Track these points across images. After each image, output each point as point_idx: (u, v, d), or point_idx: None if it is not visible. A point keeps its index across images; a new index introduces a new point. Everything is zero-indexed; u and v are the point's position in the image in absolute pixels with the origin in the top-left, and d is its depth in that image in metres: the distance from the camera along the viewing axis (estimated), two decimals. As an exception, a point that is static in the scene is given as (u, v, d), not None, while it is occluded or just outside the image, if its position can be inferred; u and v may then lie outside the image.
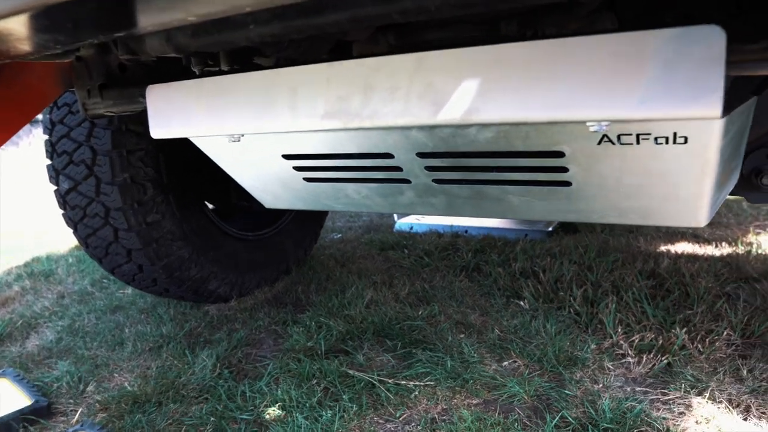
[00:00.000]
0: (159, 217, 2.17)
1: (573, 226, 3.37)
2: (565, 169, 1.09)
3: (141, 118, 2.06)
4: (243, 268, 2.58)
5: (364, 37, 1.39)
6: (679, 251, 2.81)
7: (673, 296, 2.18)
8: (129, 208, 2.09)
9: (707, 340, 1.85)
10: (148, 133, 2.07)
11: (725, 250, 2.77)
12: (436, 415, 1.64)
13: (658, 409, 1.56)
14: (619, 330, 1.97)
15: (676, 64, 0.78)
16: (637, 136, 0.95)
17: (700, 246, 2.87)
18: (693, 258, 2.65)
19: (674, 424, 1.48)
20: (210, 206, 2.54)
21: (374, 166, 1.28)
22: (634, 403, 1.57)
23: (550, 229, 3.35)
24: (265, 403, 1.72)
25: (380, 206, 1.45)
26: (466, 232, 3.55)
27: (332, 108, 1.04)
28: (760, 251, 2.67)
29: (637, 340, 1.88)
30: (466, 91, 0.92)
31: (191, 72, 1.67)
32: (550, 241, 3.14)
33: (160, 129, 1.32)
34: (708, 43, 0.76)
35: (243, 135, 1.25)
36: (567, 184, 1.14)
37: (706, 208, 1.10)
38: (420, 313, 2.28)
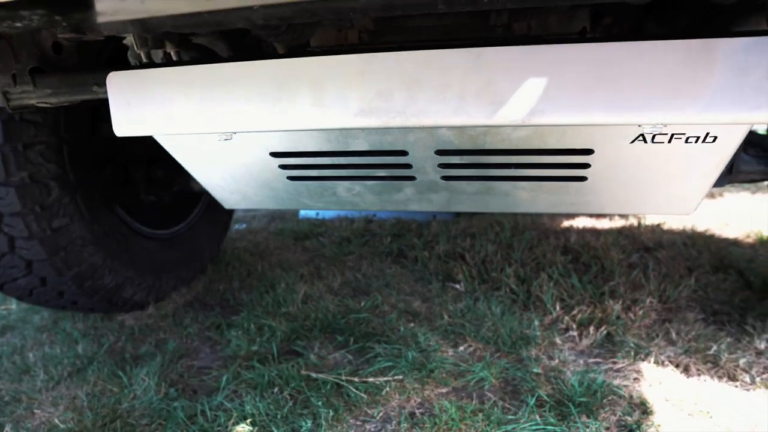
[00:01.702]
0: (67, 220, 1.87)
1: (478, 206, 3.52)
2: (587, 165, 1.12)
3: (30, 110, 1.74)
4: (159, 270, 2.33)
5: (364, 24, 1.30)
6: (580, 226, 3.07)
7: (593, 270, 2.37)
8: (29, 212, 1.77)
9: (636, 308, 2.04)
10: (49, 123, 1.80)
11: (618, 222, 3.08)
12: (413, 410, 1.62)
13: (615, 378, 1.70)
14: (558, 306, 2.10)
15: (747, 72, 0.83)
16: (672, 135, 1.00)
17: (597, 219, 3.16)
18: (595, 232, 2.91)
19: (635, 390, 1.62)
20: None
21: (380, 164, 1.20)
22: (594, 375, 1.69)
23: (457, 209, 3.46)
24: (232, 420, 1.58)
25: (371, 204, 1.38)
26: (375, 216, 3.54)
27: (369, 105, 0.95)
28: (647, 223, 3.00)
29: (578, 315, 2.02)
30: (529, 91, 0.89)
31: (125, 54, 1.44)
32: (460, 221, 3.24)
33: (128, 125, 1.11)
34: (778, 52, 0.81)
35: (236, 132, 1.10)
36: (583, 179, 1.17)
37: (701, 198, 1.20)
38: (363, 304, 2.24)
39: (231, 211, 2.90)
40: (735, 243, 2.70)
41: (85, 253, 1.95)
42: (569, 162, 1.12)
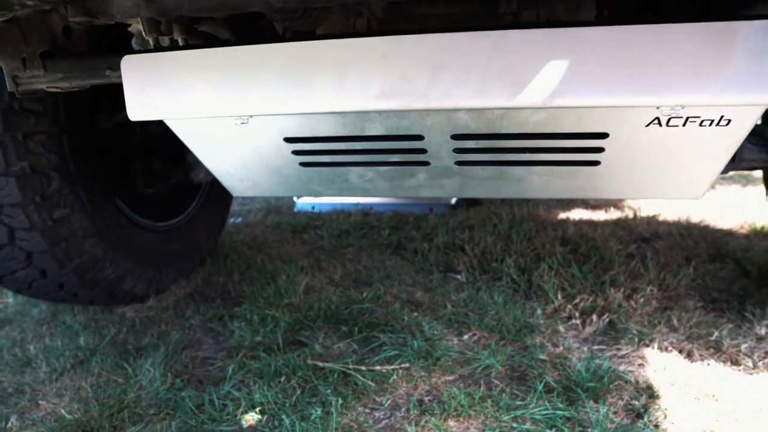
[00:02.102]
0: (67, 211, 1.85)
1: (475, 199, 3.53)
2: (601, 150, 1.13)
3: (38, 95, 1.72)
4: (159, 263, 2.31)
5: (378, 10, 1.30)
6: (578, 217, 3.10)
7: (592, 260, 2.40)
8: (30, 203, 1.75)
9: (636, 297, 2.07)
10: (49, 112, 1.78)
11: (614, 214, 3.11)
12: (421, 397, 1.63)
13: (620, 364, 1.72)
14: (559, 295, 2.12)
15: (766, 54, 0.84)
16: (686, 119, 1.01)
17: (593, 211, 3.19)
18: (592, 223, 2.93)
19: (641, 375, 1.64)
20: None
21: (395, 149, 1.21)
22: (600, 361, 1.71)
23: (453, 202, 3.48)
24: (241, 409, 1.57)
25: (381, 191, 1.38)
26: (371, 209, 3.54)
27: (391, 88, 0.95)
28: (642, 214, 3.04)
29: (580, 303, 2.04)
30: (551, 73, 0.90)
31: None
32: (457, 214, 3.25)
33: (142, 110, 1.10)
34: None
35: (253, 116, 1.10)
36: (596, 163, 1.18)
37: (711, 183, 1.21)
38: (365, 295, 2.24)
39: (229, 204, 2.89)
40: (730, 233, 2.75)
41: (86, 244, 1.93)
42: (584, 146, 1.13)
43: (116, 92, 2.04)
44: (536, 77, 0.90)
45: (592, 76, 0.90)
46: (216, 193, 2.73)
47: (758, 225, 2.82)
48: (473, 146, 1.16)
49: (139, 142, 2.22)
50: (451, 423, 1.50)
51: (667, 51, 0.88)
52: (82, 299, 2.09)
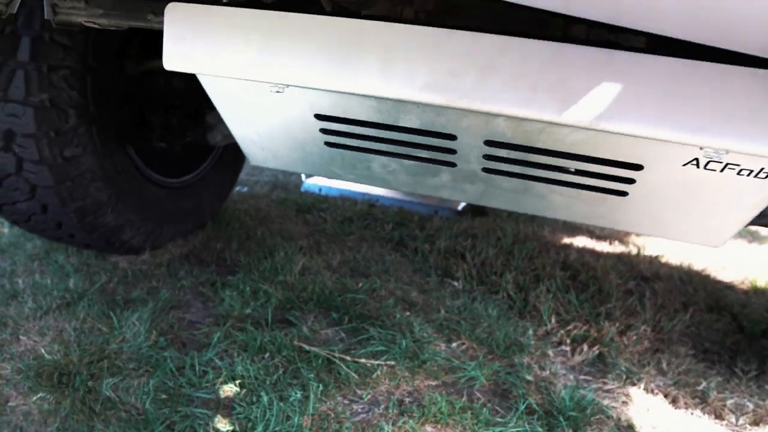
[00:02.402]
0: (79, 151, 1.83)
1: (481, 209, 3.51)
2: (633, 181, 1.11)
3: (70, 29, 1.69)
4: (161, 218, 2.29)
5: None
6: (581, 245, 3.08)
7: (591, 290, 2.38)
8: (44, 136, 1.72)
9: (630, 334, 2.05)
10: (78, 48, 1.75)
11: (618, 248, 3.10)
12: (402, 397, 1.62)
13: (604, 398, 1.71)
14: (553, 319, 2.11)
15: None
16: (725, 165, 0.99)
17: (597, 241, 3.17)
18: (594, 253, 2.92)
19: (623, 413, 1.63)
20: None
21: (425, 144, 1.18)
22: (584, 392, 1.69)
23: (460, 208, 3.46)
24: (221, 378, 1.55)
25: (403, 184, 1.36)
26: (377, 201, 3.51)
27: (437, 81, 0.93)
28: (645, 253, 3.02)
29: (573, 331, 2.02)
30: (603, 95, 0.88)
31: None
32: (462, 221, 3.23)
33: (178, 60, 1.08)
34: None
35: (289, 86, 1.07)
36: (624, 194, 1.16)
37: (733, 233, 1.20)
38: (360, 286, 2.22)
39: (239, 170, 2.86)
40: (730, 287, 2.73)
41: (92, 187, 1.91)
42: (616, 175, 1.11)
43: (148, 40, 2.02)
44: (587, 96, 0.88)
45: (644, 105, 0.88)
46: (229, 156, 2.70)
47: (759, 283, 2.81)
48: (504, 155, 1.14)
49: (161, 94, 2.19)
50: (429, 428, 1.49)
51: (726, 92, 0.86)
52: (78, 242, 2.06)
